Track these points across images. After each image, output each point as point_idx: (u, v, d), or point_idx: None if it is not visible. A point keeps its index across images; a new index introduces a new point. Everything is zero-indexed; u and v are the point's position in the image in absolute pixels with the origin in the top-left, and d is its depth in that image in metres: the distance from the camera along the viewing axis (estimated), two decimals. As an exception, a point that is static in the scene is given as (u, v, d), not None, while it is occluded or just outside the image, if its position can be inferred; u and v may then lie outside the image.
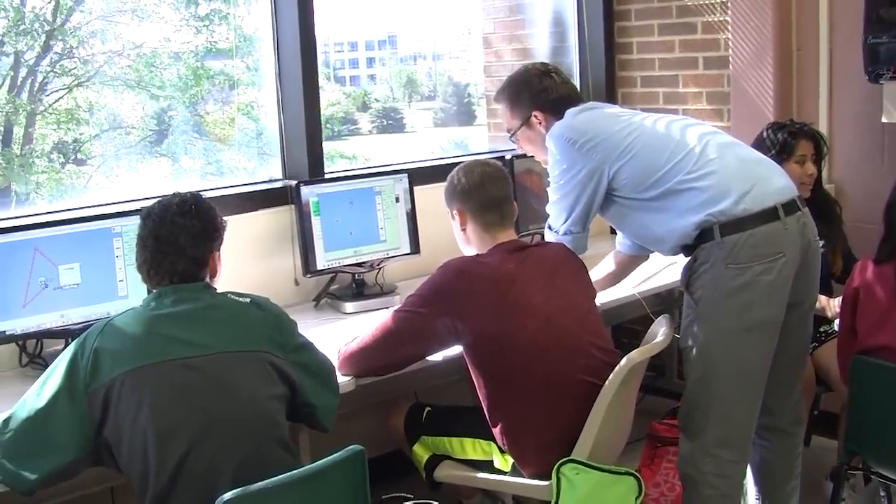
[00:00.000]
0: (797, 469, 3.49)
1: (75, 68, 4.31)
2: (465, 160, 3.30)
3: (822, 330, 4.05)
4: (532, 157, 3.61)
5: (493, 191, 3.13)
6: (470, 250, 3.17)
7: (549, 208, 3.37)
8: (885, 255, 3.27)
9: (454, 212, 3.19)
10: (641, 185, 3.16)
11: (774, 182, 3.17)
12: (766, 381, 3.17)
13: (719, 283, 3.07)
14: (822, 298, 3.89)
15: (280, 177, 4.18)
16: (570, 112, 3.33)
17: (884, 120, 4.13)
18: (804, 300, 3.27)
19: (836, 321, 3.70)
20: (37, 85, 4.21)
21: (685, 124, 3.30)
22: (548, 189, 3.37)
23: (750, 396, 3.15)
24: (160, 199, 2.68)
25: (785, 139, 3.99)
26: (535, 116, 3.40)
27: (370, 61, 7.00)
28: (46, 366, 2.57)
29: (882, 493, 3.57)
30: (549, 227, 3.38)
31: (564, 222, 3.29)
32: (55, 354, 2.65)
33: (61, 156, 4.31)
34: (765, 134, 4.07)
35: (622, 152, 3.17)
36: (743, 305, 3.06)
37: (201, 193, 2.74)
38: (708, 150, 3.16)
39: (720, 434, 3.12)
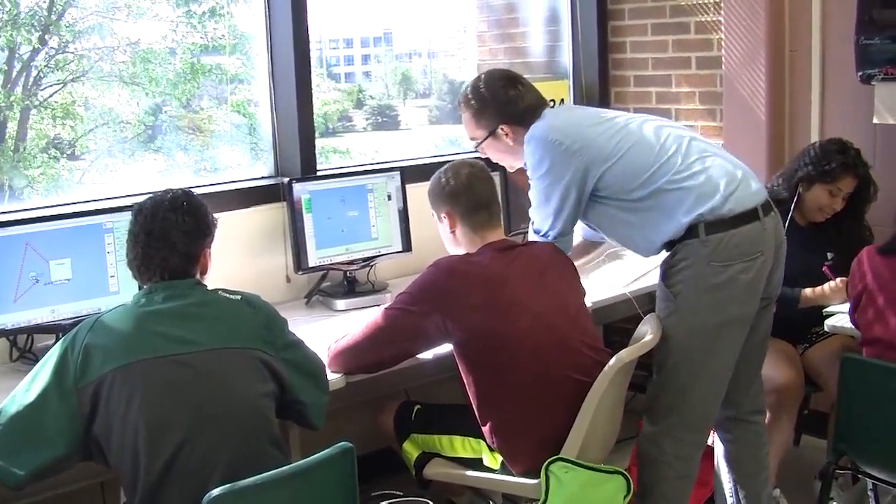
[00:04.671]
0: (765, 459, 3.56)
1: (72, 62, 4.31)
2: (455, 159, 3.30)
3: (813, 331, 4.05)
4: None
5: (480, 191, 3.14)
6: (459, 252, 3.17)
7: (533, 213, 3.32)
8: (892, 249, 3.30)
9: (442, 215, 3.18)
10: (628, 185, 3.17)
11: (752, 184, 3.23)
12: (731, 372, 3.26)
13: (700, 279, 3.11)
14: (823, 287, 3.87)
15: (272, 174, 4.19)
16: (547, 112, 3.34)
17: (875, 121, 4.13)
18: (769, 296, 3.34)
19: (829, 320, 3.71)
20: (31, 79, 4.21)
21: (658, 125, 3.32)
22: (530, 193, 3.33)
23: (718, 386, 3.26)
24: (152, 195, 2.68)
25: (832, 168, 3.91)
26: (502, 129, 3.36)
27: (365, 58, 6.98)
28: (37, 361, 2.58)
29: (870, 493, 3.58)
30: (536, 232, 3.33)
31: (552, 227, 3.26)
32: (46, 349, 2.65)
33: (57, 151, 4.31)
34: (816, 146, 4.02)
35: (609, 155, 3.17)
36: (721, 302, 3.12)
37: (193, 190, 2.75)
38: (691, 151, 3.20)
39: (686, 419, 3.23)
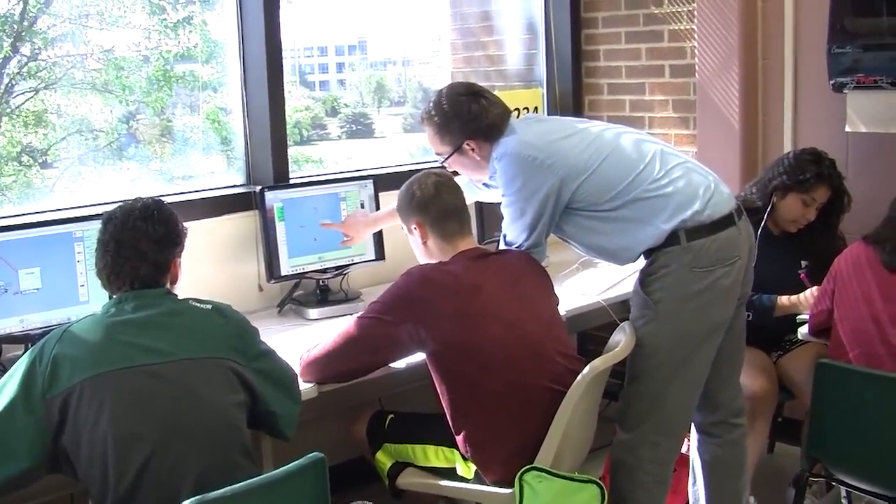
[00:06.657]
0: (746, 463, 3.57)
1: (44, 69, 4.28)
2: (428, 167, 3.28)
3: (786, 339, 4.05)
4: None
5: (449, 199, 3.13)
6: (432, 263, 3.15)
7: (507, 227, 3.29)
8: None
9: (413, 226, 3.16)
10: (603, 196, 3.17)
11: (724, 189, 3.26)
12: (706, 376, 3.28)
13: (682, 286, 3.13)
14: (798, 296, 3.86)
15: (244, 182, 4.16)
16: (518, 126, 3.31)
17: (847, 129, 4.15)
18: (743, 295, 3.36)
19: (803, 328, 3.71)
20: (3, 87, 4.18)
21: (636, 137, 3.31)
22: (502, 208, 3.30)
23: (693, 391, 3.28)
24: (122, 203, 2.67)
25: (807, 178, 3.89)
26: (468, 144, 3.32)
27: (340, 66, 6.98)
28: (5, 371, 2.55)
29: (843, 500, 3.59)
30: (509, 244, 3.29)
31: (526, 239, 3.23)
32: (15, 360, 2.62)
33: (30, 158, 4.27)
34: (791, 156, 4.00)
35: (583, 168, 3.16)
36: (702, 307, 3.15)
37: (164, 199, 2.73)
38: (667, 160, 3.22)
39: (662, 424, 3.25)
